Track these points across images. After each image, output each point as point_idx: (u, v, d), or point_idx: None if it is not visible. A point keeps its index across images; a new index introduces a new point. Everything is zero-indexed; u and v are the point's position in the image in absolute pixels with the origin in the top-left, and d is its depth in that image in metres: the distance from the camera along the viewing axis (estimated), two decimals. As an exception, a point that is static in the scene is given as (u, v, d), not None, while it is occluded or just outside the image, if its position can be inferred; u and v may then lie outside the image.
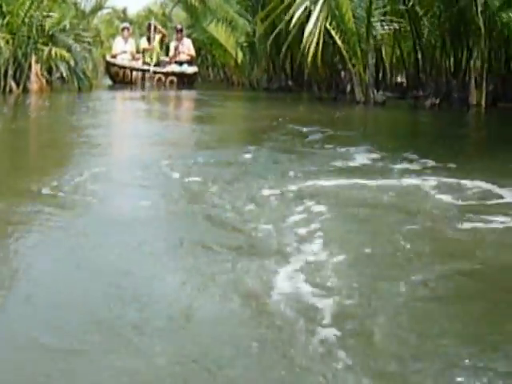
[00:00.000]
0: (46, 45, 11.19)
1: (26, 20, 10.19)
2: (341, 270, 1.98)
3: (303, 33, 8.92)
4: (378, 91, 10.07)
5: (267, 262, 2.02)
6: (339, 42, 9.58)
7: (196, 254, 2.15)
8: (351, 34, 9.52)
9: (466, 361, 1.39)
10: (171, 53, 14.69)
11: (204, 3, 15.08)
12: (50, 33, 11.15)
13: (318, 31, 8.66)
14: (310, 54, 8.79)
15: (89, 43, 13.86)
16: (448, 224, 2.63)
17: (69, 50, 11.47)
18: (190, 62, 14.77)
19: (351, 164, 4.10)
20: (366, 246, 2.26)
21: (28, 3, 10.07)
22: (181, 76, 14.39)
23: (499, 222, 2.59)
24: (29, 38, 10.35)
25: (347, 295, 1.75)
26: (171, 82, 14.21)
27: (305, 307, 1.65)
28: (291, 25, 9.01)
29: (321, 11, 8.61)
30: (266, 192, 3.06)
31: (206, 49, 15.84)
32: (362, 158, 4.34)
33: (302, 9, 8.89)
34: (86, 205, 2.86)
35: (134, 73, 14.20)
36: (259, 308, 1.66)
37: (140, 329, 1.52)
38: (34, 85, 10.88)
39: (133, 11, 27.36)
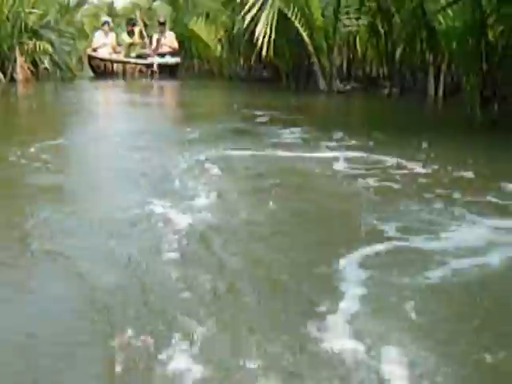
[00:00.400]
0: (31, 39, 11.94)
1: (10, 16, 10.87)
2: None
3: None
4: (341, 82, 10.82)
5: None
6: (306, 39, 10.32)
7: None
8: (318, 31, 10.30)
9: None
10: (153, 45, 15.13)
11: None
12: (34, 28, 11.80)
13: (268, 27, 9.42)
14: (264, 49, 9.56)
15: (72, 37, 14.50)
16: (331, 181, 3.41)
17: (51, 43, 12.19)
18: (172, 54, 15.21)
19: (283, 140, 4.83)
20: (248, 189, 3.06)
21: (11, 0, 10.76)
22: (163, 67, 14.85)
23: (371, 182, 3.31)
24: (13, 33, 11.02)
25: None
26: (153, 72, 14.72)
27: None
28: (244, 23, 9.80)
29: (271, 8, 9.38)
30: (189, 156, 3.86)
31: (188, 42, 16.35)
32: (295, 135, 5.09)
33: (257, 7, 9.63)
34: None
35: (115, 65, 14.72)
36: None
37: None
38: (19, 75, 11.63)
39: (120, 4, 27.96)
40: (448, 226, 2.46)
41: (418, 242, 2.28)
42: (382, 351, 1.42)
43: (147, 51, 15.14)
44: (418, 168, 3.64)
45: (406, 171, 3.56)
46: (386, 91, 10.16)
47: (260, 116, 6.42)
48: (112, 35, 15.23)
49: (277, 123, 5.81)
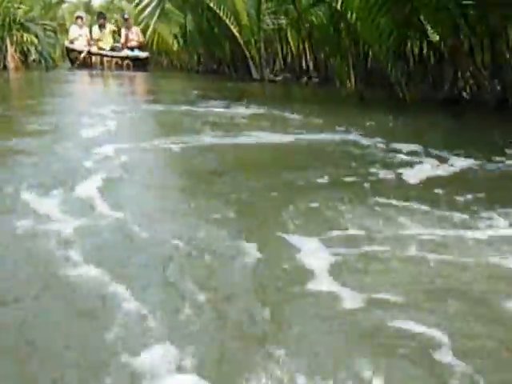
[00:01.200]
0: (18, 31, 14.73)
1: (1, 11, 13.57)
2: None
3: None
4: (273, 72, 13.63)
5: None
6: (237, 34, 13.19)
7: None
8: (245, 28, 13.15)
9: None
10: (122, 39, 17.01)
11: None
12: (21, 21, 14.56)
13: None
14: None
15: (54, 31, 17.21)
16: (239, 120, 6.31)
17: (36, 36, 15.02)
18: (140, 48, 17.05)
19: (210, 104, 7.24)
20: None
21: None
22: (135, 60, 16.63)
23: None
24: (3, 25, 13.78)
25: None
26: (127, 65, 16.47)
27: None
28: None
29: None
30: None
31: (150, 37, 18.64)
32: (220, 103, 7.39)
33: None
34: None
35: (94, 57, 16.41)
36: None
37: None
38: (10, 64, 14.35)
39: (97, 2, 30.76)
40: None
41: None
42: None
43: (118, 45, 17.07)
44: (296, 116, 6.15)
45: (283, 117, 6.03)
46: (304, 80, 12.75)
47: (189, 95, 9.12)
48: (85, 29, 16.90)
49: (207, 97, 8.43)
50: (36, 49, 15.23)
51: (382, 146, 4.08)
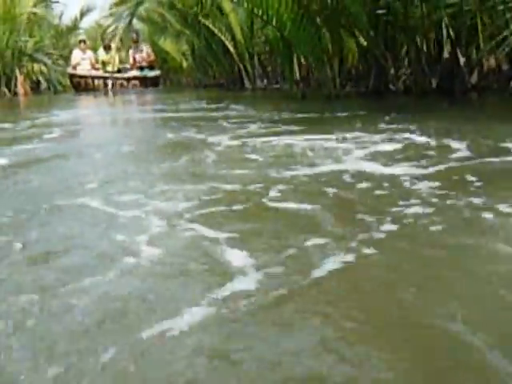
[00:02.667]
0: (29, 62, 16.75)
1: (10, 45, 15.64)
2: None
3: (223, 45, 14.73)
4: (262, 81, 15.22)
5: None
6: (232, 49, 14.84)
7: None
8: (239, 43, 14.78)
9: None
10: (131, 60, 18.14)
11: (156, 22, 19.98)
12: (30, 53, 16.56)
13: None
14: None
15: (64, 59, 19.05)
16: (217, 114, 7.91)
17: (45, 65, 16.98)
18: (151, 67, 18.35)
19: (206, 108, 9.16)
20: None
21: (7, 33, 15.51)
22: (143, 80, 17.74)
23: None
24: (13, 58, 15.80)
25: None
26: (134, 85, 17.50)
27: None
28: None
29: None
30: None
31: (159, 55, 20.35)
32: (213, 105, 9.38)
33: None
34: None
35: (96, 80, 17.36)
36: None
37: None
38: (20, 90, 16.39)
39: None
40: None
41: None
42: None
43: (127, 65, 18.30)
44: (269, 111, 7.91)
45: (250, 114, 7.70)
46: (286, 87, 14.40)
47: (200, 101, 10.85)
48: (89, 53, 17.82)
49: (208, 102, 10.27)
50: (45, 76, 17.10)
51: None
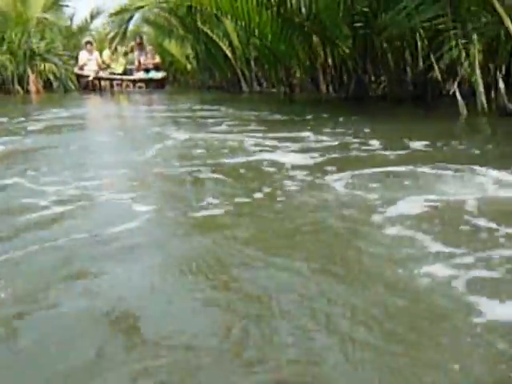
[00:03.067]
0: (40, 61, 17.82)
1: (22, 45, 16.71)
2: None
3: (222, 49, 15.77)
4: (260, 85, 16.18)
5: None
6: (230, 54, 15.80)
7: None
8: (236, 48, 15.75)
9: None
10: (136, 62, 18.64)
11: (162, 25, 20.84)
12: (41, 53, 17.63)
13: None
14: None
15: (75, 59, 19.95)
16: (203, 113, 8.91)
17: (55, 64, 18.04)
18: (157, 68, 18.92)
19: (204, 107, 10.20)
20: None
21: (19, 34, 16.56)
22: (148, 81, 18.25)
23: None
24: (25, 58, 16.88)
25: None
26: (140, 87, 18.03)
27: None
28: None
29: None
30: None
31: (164, 57, 21.22)
32: (211, 106, 10.37)
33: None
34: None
35: (102, 82, 18.13)
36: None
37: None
38: (32, 88, 17.45)
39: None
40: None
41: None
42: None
43: (132, 67, 18.91)
44: (251, 113, 8.89)
45: (233, 114, 8.73)
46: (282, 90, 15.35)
47: (195, 102, 11.84)
48: (96, 54, 18.44)
49: (202, 103, 11.26)
50: (55, 76, 18.16)
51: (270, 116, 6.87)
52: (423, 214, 2.52)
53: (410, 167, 3.52)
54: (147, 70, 18.71)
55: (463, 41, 6.41)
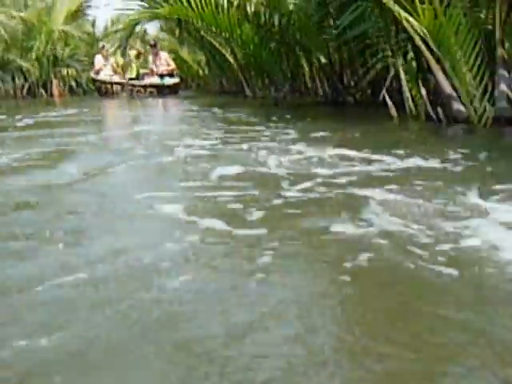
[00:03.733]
0: (63, 67, 19.71)
1: (46, 53, 18.59)
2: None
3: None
4: (264, 90, 17.75)
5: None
6: (232, 61, 17.38)
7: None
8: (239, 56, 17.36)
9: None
10: (150, 66, 18.93)
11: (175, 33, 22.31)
12: (64, 59, 19.52)
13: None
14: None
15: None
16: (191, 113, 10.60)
17: (76, 70, 19.94)
18: (171, 74, 19.31)
19: (211, 109, 11.90)
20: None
21: (44, 43, 18.47)
22: (161, 87, 18.45)
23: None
24: (48, 64, 18.77)
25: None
26: (151, 93, 18.27)
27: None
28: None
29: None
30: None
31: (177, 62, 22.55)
32: (216, 109, 12.00)
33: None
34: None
35: (115, 86, 18.53)
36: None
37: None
38: (55, 92, 19.35)
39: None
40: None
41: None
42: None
43: (146, 71, 19.39)
44: (230, 117, 10.58)
45: (221, 116, 10.35)
46: (281, 94, 16.80)
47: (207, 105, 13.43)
48: (112, 58, 18.83)
49: (211, 106, 12.77)
50: (76, 80, 20.08)
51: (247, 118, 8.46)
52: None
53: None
54: (162, 76, 18.97)
55: (389, 54, 8.17)
